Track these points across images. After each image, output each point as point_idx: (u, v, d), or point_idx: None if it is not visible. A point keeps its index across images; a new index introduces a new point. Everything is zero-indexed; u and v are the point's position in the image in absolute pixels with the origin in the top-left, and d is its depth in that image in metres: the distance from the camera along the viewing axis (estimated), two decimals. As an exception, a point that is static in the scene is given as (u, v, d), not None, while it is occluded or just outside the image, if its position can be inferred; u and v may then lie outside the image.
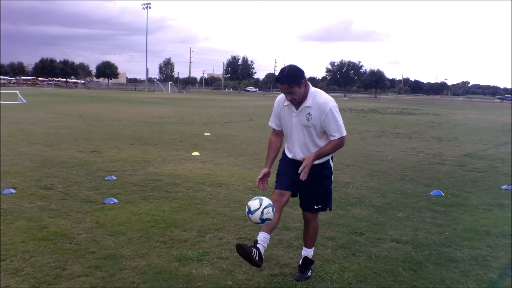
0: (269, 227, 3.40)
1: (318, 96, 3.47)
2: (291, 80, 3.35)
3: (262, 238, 3.35)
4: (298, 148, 3.57)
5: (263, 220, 3.21)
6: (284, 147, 3.77)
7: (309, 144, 3.55)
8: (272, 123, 3.77)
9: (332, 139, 3.46)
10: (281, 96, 3.61)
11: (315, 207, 3.66)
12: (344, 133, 3.46)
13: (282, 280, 3.65)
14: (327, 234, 4.79)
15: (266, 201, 3.24)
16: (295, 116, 3.52)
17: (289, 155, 3.66)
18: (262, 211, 3.19)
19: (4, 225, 4.75)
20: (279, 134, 3.75)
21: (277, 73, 3.55)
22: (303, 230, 3.89)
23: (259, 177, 3.59)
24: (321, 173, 3.61)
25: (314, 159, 3.41)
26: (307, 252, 3.80)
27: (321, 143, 3.54)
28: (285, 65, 3.51)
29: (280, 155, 3.78)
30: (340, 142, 3.46)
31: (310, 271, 3.76)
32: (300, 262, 3.80)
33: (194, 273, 3.71)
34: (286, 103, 3.56)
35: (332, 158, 3.70)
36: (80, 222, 4.92)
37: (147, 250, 4.18)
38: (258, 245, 3.31)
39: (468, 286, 3.67)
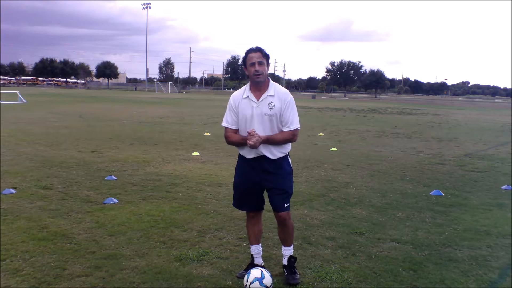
0: (257, 239, 3.80)
1: (279, 87, 3.60)
2: (263, 51, 3.48)
3: (255, 251, 3.81)
4: None
5: None
6: (239, 150, 3.66)
7: None
8: (227, 123, 3.62)
9: (285, 130, 3.50)
10: (238, 92, 3.66)
11: (285, 205, 3.62)
12: (299, 126, 3.54)
13: (282, 280, 3.65)
14: (327, 234, 4.79)
15: (252, 276, 3.37)
16: (255, 107, 3.49)
17: (249, 155, 3.54)
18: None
19: (4, 225, 4.75)
20: (236, 133, 3.62)
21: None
22: (278, 231, 3.81)
23: (247, 138, 3.42)
24: (283, 168, 3.59)
25: (262, 140, 3.39)
26: (289, 250, 3.76)
27: None
28: None
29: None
30: (292, 136, 3.52)
31: (297, 270, 3.73)
32: (286, 263, 3.73)
33: (194, 273, 3.71)
34: (245, 96, 3.54)
35: (289, 154, 3.67)
36: (80, 222, 4.92)
37: (147, 250, 4.18)
38: (255, 259, 3.78)
39: (468, 286, 3.67)
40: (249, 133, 3.43)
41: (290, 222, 3.74)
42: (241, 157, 3.68)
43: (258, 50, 3.46)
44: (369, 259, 4.14)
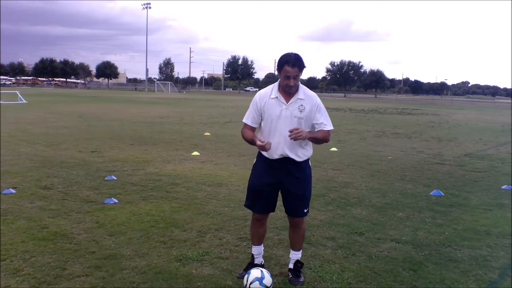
0: (260, 240, 3.78)
1: (308, 90, 3.58)
2: (302, 65, 3.39)
3: (257, 251, 3.79)
4: (283, 144, 3.47)
5: None
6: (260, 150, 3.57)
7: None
8: (248, 120, 3.60)
9: (324, 128, 3.51)
10: (264, 91, 3.60)
11: (305, 210, 3.64)
12: (332, 127, 3.58)
13: (282, 280, 3.66)
14: (327, 234, 4.79)
15: (252, 276, 3.37)
16: (285, 109, 3.46)
17: (273, 156, 3.52)
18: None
19: (4, 225, 4.75)
20: (252, 131, 3.62)
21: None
22: (289, 235, 3.82)
23: (263, 143, 3.35)
24: (305, 172, 3.60)
25: (307, 135, 3.38)
26: (298, 255, 3.76)
27: (308, 143, 3.57)
28: (288, 52, 3.44)
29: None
30: (328, 135, 3.55)
31: (302, 274, 3.73)
32: (292, 266, 3.73)
33: (194, 273, 3.71)
34: (273, 96, 3.49)
35: (309, 158, 3.67)
36: (80, 222, 4.92)
37: (147, 250, 4.18)
38: (256, 259, 3.76)
39: (468, 286, 3.67)
40: (263, 142, 3.36)
41: (303, 226, 3.75)
42: (261, 157, 3.63)
43: (297, 66, 3.33)
44: (369, 259, 4.14)
